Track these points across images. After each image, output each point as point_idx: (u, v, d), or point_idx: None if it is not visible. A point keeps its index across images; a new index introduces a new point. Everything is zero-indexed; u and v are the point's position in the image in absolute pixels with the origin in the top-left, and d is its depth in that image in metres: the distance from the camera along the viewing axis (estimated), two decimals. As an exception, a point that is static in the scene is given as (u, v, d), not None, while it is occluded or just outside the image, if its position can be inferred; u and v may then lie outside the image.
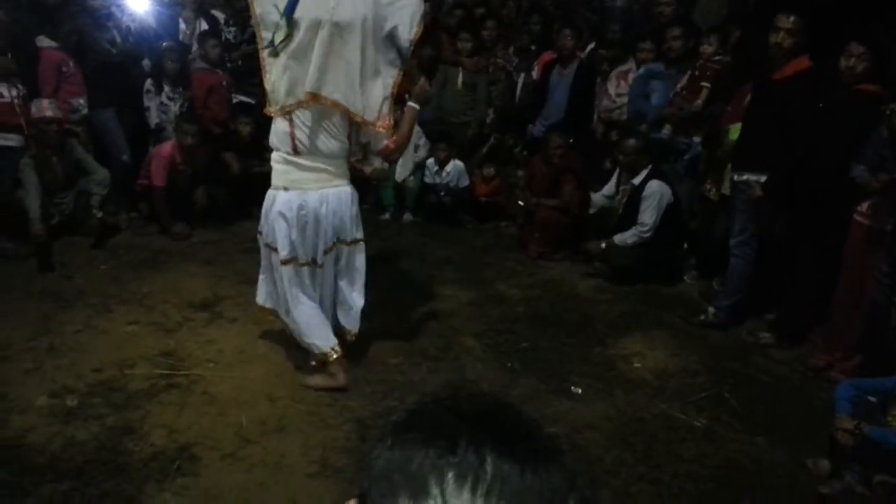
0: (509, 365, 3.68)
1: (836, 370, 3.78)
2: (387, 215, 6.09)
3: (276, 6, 3.00)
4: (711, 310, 4.34)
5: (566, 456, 0.64)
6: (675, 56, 5.04)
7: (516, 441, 0.62)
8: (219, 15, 6.02)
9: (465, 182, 6.05)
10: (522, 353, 3.80)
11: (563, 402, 3.37)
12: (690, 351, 4.00)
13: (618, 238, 4.82)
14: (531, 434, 0.64)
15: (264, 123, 5.46)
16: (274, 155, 3.23)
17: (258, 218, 5.43)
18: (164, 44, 5.37)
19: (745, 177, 4.06)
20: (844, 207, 3.78)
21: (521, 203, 5.64)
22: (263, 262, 3.40)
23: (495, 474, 0.59)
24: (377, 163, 6.10)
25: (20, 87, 4.73)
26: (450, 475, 0.59)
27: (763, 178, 3.95)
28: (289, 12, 2.96)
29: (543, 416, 3.14)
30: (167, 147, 5.10)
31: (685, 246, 5.19)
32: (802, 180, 3.86)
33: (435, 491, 0.58)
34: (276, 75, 3.07)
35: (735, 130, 4.73)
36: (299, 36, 2.99)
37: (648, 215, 4.74)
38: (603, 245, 4.88)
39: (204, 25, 5.76)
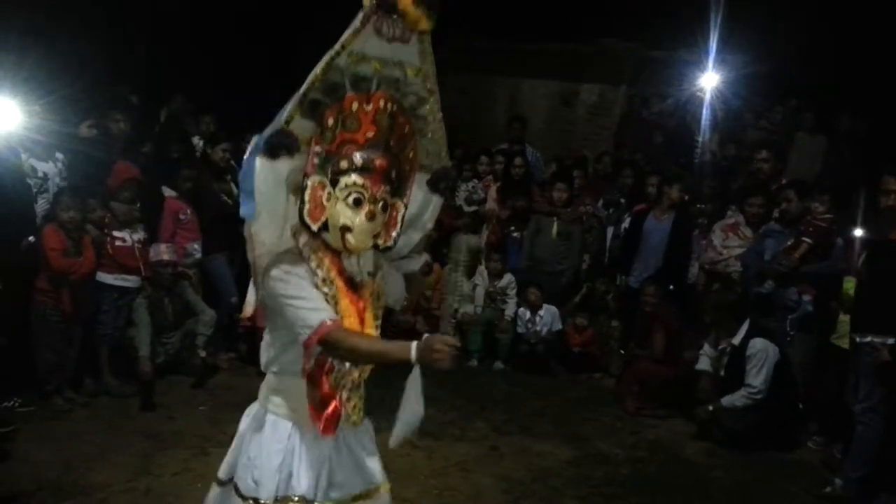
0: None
1: None
2: (474, 362, 5.99)
3: None
4: (839, 482, 3.94)
5: None
6: (789, 218, 4.95)
7: None
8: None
9: (558, 326, 5.97)
10: (633, 523, 3.52)
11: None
12: (821, 530, 3.62)
13: (726, 401, 4.51)
14: None
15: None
16: None
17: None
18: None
19: (868, 339, 3.81)
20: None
21: (622, 351, 5.50)
22: None
23: None
24: (469, 308, 6.13)
25: (142, 232, 5.06)
26: None
27: (890, 340, 3.70)
28: None
29: None
30: (272, 290, 5.27)
31: (800, 407, 4.84)
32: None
33: None
34: None
35: (849, 282, 4.58)
36: None
37: (755, 376, 4.47)
38: (711, 408, 4.57)
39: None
